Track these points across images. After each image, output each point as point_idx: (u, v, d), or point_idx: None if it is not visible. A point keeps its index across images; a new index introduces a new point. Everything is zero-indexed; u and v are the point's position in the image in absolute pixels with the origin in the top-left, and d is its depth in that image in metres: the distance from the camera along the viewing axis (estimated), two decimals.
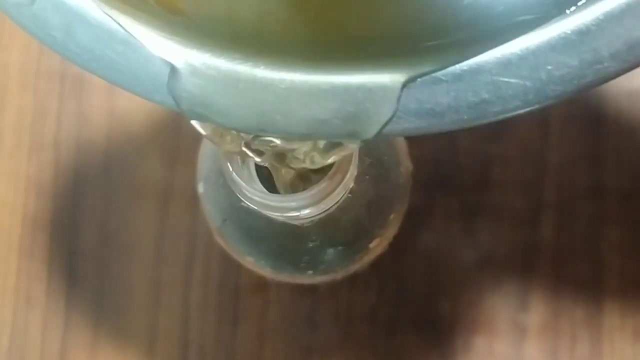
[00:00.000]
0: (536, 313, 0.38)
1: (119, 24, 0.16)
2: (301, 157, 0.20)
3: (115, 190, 0.40)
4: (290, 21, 0.17)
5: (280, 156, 0.21)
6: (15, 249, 0.40)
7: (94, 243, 0.40)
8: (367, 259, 0.30)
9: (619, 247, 0.39)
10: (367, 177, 0.27)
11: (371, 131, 0.16)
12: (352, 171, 0.24)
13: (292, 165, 0.21)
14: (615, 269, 0.38)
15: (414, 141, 0.32)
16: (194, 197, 0.39)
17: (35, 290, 0.40)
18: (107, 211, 0.40)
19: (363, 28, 0.17)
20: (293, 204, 0.23)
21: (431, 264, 0.39)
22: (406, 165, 0.29)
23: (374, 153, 0.28)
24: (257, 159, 0.22)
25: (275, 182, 0.25)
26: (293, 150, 0.21)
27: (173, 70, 0.16)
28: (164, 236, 0.40)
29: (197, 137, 0.19)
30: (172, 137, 0.40)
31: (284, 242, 0.28)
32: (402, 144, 0.29)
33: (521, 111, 0.15)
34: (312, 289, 0.39)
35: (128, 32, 0.16)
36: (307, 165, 0.21)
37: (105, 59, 0.16)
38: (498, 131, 0.40)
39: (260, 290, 0.39)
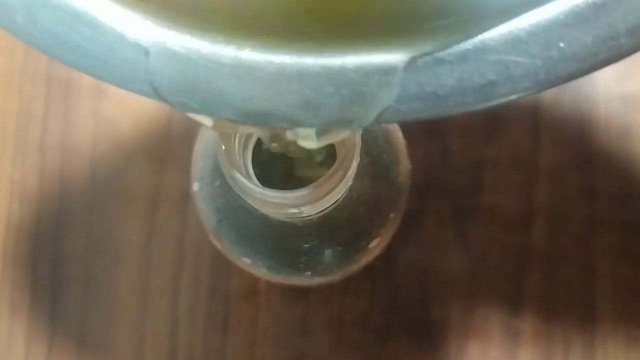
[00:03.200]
0: (529, 318, 0.38)
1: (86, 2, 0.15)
2: (294, 137, 0.19)
3: (101, 195, 0.40)
4: None
5: (277, 137, 0.21)
6: None
7: (80, 250, 0.39)
8: (366, 260, 0.29)
9: (611, 251, 0.39)
10: (367, 175, 0.27)
11: (369, 117, 0.14)
12: (353, 168, 0.24)
13: (290, 148, 0.21)
14: (607, 273, 0.38)
15: (407, 142, 0.32)
16: (182, 203, 0.39)
17: (19, 299, 0.39)
18: (93, 217, 0.39)
19: (357, 4, 0.15)
20: (293, 201, 0.23)
21: (423, 269, 0.39)
22: (405, 164, 0.29)
23: (373, 151, 0.27)
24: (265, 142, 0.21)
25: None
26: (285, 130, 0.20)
27: (149, 54, 0.14)
28: (151, 242, 0.39)
29: (186, 141, 0.18)
30: (159, 141, 0.40)
31: (282, 242, 0.28)
32: (401, 143, 0.29)
33: (530, 92, 0.14)
34: (303, 294, 0.38)
35: (96, 13, 0.15)
36: (304, 145, 0.19)
37: (71, 45, 0.15)
38: (489, 135, 0.40)
39: (250, 296, 0.38)
